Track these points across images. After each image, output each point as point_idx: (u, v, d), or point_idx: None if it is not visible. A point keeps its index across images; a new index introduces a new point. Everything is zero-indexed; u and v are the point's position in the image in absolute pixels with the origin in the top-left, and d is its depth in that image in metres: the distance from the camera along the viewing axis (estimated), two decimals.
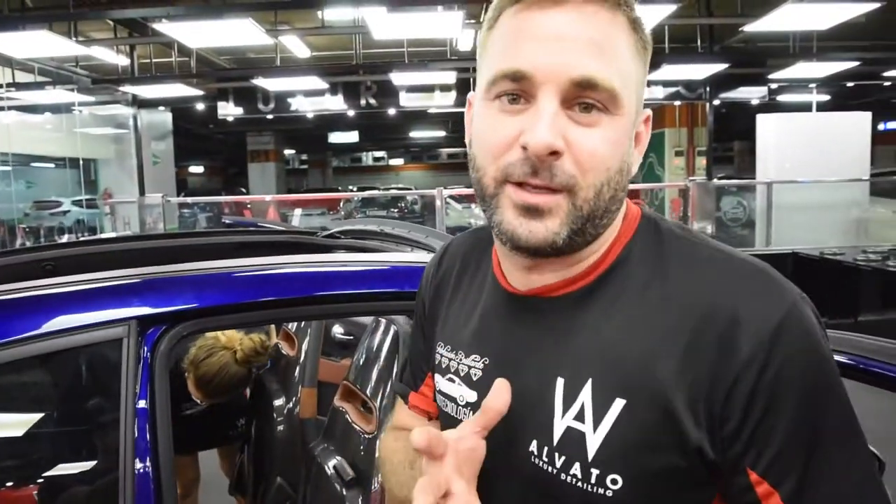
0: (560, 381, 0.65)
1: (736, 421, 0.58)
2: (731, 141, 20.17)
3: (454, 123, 21.17)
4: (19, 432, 1.25)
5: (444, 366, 0.78)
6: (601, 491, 0.62)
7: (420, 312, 0.89)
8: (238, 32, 5.22)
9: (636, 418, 0.61)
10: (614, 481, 0.61)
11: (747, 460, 0.59)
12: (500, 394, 0.63)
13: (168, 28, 5.29)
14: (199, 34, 5.45)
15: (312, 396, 2.39)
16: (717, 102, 11.05)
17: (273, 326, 2.87)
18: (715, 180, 9.52)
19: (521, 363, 0.69)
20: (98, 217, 13.02)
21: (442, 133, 23.23)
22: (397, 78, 9.10)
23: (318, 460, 1.81)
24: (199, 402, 2.35)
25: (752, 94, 11.34)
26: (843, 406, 0.61)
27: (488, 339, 0.73)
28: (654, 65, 8.79)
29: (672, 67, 8.71)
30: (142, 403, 1.17)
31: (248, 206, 12.34)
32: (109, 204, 11.65)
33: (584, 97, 0.60)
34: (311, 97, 10.17)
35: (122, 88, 9.47)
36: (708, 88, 10.19)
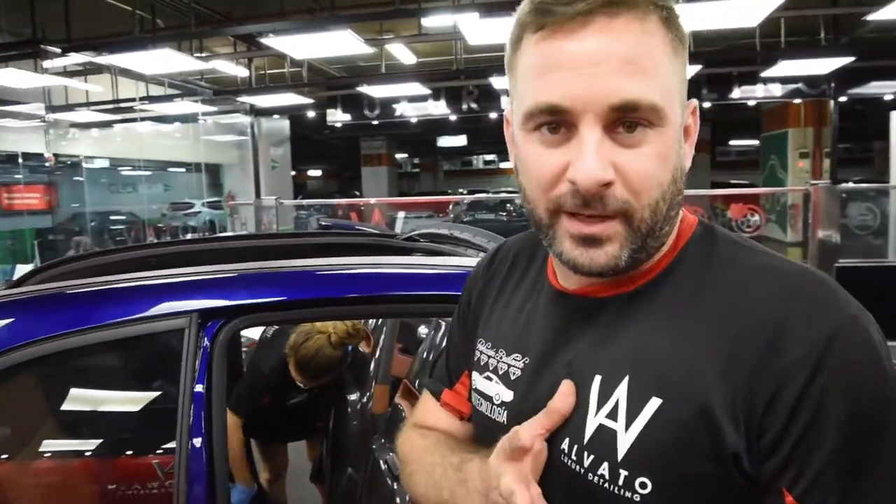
0: (597, 379, 0.63)
1: (775, 432, 0.54)
2: (869, 141, 18.50)
3: None
4: (95, 407, 1.41)
5: (482, 363, 0.77)
6: (628, 494, 0.59)
7: (464, 309, 0.88)
8: (339, 43, 5.48)
9: (671, 419, 0.58)
10: (643, 485, 0.58)
11: (784, 479, 0.55)
12: (566, 396, 0.63)
13: (275, 42, 5.65)
14: (303, 46, 5.77)
15: (385, 393, 2.48)
16: (846, 99, 10.25)
17: None
18: (847, 184, 8.78)
19: (560, 361, 0.68)
20: (224, 218, 13.95)
21: None
22: (497, 82, 9.15)
23: (375, 454, 1.89)
24: (301, 385, 2.52)
25: (886, 88, 10.41)
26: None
27: (532, 338, 0.72)
28: (770, 61, 8.39)
29: (790, 63, 8.15)
30: (199, 388, 1.28)
31: (362, 207, 12.79)
32: (231, 206, 12.47)
33: (626, 119, 0.58)
34: (414, 103, 10.45)
35: (239, 98, 10.15)
36: (832, 84, 9.46)
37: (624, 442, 0.60)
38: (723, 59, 9.60)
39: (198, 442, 1.25)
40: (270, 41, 5.62)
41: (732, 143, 22.51)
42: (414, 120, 11.93)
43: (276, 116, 13.83)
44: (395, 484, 1.70)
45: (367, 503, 1.92)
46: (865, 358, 0.55)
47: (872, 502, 0.54)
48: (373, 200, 12.01)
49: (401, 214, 10.35)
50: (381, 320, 2.64)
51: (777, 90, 10.03)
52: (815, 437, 0.54)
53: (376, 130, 19.66)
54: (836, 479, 0.53)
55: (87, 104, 10.00)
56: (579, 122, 0.59)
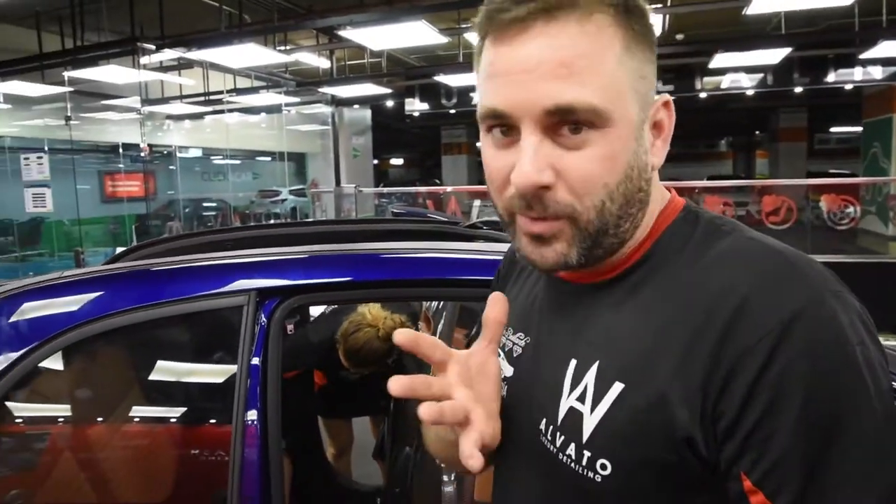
0: (573, 363, 0.65)
1: (731, 417, 0.54)
2: None
3: None
4: (163, 376, 1.54)
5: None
6: (591, 475, 0.61)
7: (493, 289, 0.90)
8: (414, 34, 5.57)
9: (630, 404, 0.59)
10: (603, 466, 0.60)
11: (742, 464, 0.54)
12: (494, 304, 0.66)
13: (353, 34, 5.79)
14: (380, 38, 5.89)
15: None
16: None
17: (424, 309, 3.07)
18: None
19: (549, 344, 0.70)
20: (307, 205, 14.38)
21: None
22: None
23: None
24: (348, 370, 2.64)
25: None
26: (870, 428, 0.53)
27: (532, 319, 0.75)
28: (870, 41, 7.85)
29: (891, 44, 7.61)
30: (255, 361, 1.37)
31: (441, 196, 12.89)
32: (313, 193, 12.85)
33: (565, 122, 0.58)
34: None
35: (321, 89, 10.43)
36: None
37: (588, 424, 0.61)
38: (816, 41, 9.06)
39: (252, 414, 1.33)
40: (348, 33, 5.76)
41: (833, 130, 21.24)
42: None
43: (357, 106, 14.11)
44: (442, 463, 1.74)
45: (416, 480, 1.98)
46: (829, 342, 0.53)
47: (835, 494, 0.52)
48: (449, 188, 12.07)
49: (476, 202, 10.37)
50: (441, 304, 2.70)
51: (877, 73, 9.39)
52: (773, 422, 0.52)
53: (456, 119, 19.73)
54: (796, 468, 0.52)
55: (180, 97, 10.54)
56: (520, 126, 0.59)
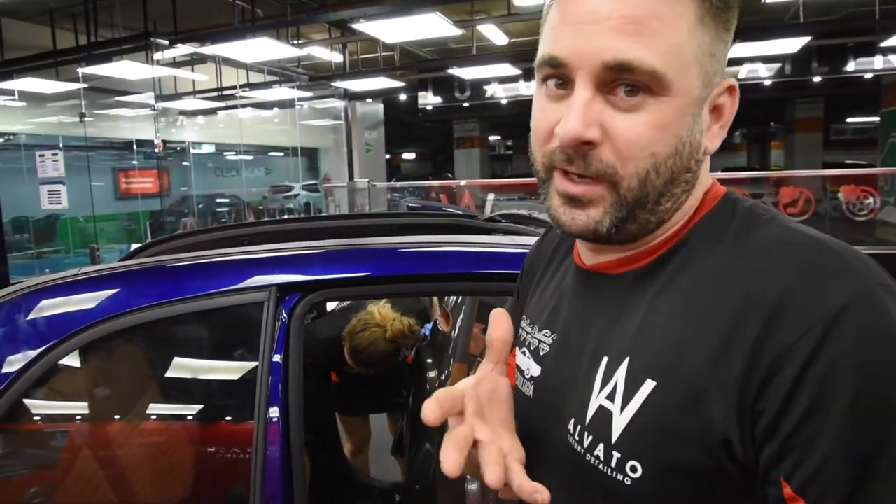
0: (605, 360, 0.62)
1: (771, 417, 0.50)
2: None
3: None
4: (182, 373, 1.51)
5: (521, 339, 0.78)
6: (620, 477, 0.57)
7: (518, 286, 0.89)
8: (428, 26, 5.52)
9: (662, 402, 0.56)
10: (633, 469, 0.57)
11: (782, 469, 0.50)
12: (498, 323, 0.62)
13: (366, 27, 5.76)
14: (393, 30, 5.86)
15: (463, 371, 2.50)
16: None
17: (436, 305, 3.05)
18: None
19: (578, 341, 0.67)
20: (320, 200, 14.41)
21: None
22: None
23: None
24: (352, 367, 2.62)
25: None
26: None
27: (560, 315, 0.72)
28: (890, 29, 7.68)
29: None
30: (276, 358, 1.35)
31: (454, 189, 12.88)
32: (326, 188, 12.87)
33: (622, 80, 0.56)
34: (505, 84, 10.37)
35: (334, 83, 10.42)
36: None
37: (618, 424, 0.58)
38: (836, 29, 8.91)
39: (274, 410, 1.31)
40: (362, 26, 5.73)
41: (849, 120, 20.98)
42: (504, 101, 11.85)
43: (369, 100, 14.09)
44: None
45: (440, 478, 1.95)
46: (879, 338, 0.49)
47: (884, 501, 0.48)
48: (462, 182, 12.06)
49: (490, 196, 10.34)
50: (460, 299, 2.67)
51: None
52: (817, 424, 0.49)
53: (468, 113, 19.67)
54: (842, 474, 0.48)
55: (194, 93, 10.57)
56: (575, 78, 0.58)
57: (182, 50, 7.88)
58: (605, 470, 0.59)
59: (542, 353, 0.72)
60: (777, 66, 9.84)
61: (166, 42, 6.82)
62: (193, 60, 9.46)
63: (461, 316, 2.61)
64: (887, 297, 0.51)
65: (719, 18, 0.59)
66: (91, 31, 7.23)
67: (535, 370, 0.73)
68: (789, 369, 0.50)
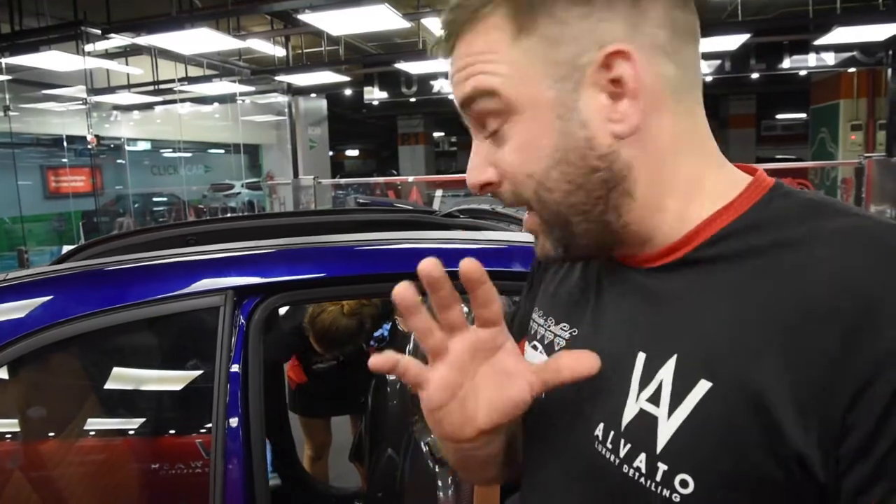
0: (641, 357, 0.55)
1: (863, 434, 0.43)
2: None
3: None
4: (128, 386, 1.39)
5: (532, 332, 0.72)
6: (666, 493, 0.50)
7: (531, 278, 0.82)
8: (375, 18, 5.40)
9: (721, 406, 0.49)
10: (684, 483, 0.49)
11: (876, 493, 0.43)
12: (585, 360, 0.56)
13: (311, 18, 5.60)
14: (340, 22, 5.71)
15: None
16: None
17: None
18: None
19: (605, 335, 0.60)
20: (263, 198, 14.11)
21: None
22: None
23: (414, 436, 1.84)
24: (323, 357, 2.59)
25: None
26: None
27: (582, 308, 0.65)
28: (824, 28, 8.03)
29: (845, 30, 7.77)
30: (235, 367, 1.24)
31: (399, 186, 12.77)
32: (270, 186, 12.59)
33: (480, 117, 0.59)
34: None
35: (277, 77, 10.17)
36: (890, 52, 9.00)
37: (665, 431, 0.51)
38: (772, 27, 9.22)
39: (234, 422, 1.21)
40: (307, 17, 5.57)
41: (779, 116, 21.82)
42: (451, 97, 11.73)
43: (313, 96, 13.85)
44: (436, 467, 1.65)
45: (408, 486, 1.87)
46: None
47: None
48: (410, 178, 11.97)
49: (438, 193, 10.30)
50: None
51: (830, 59, 9.59)
52: None
53: (413, 109, 19.61)
54: None
55: (128, 86, 10.14)
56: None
57: (115, 41, 7.51)
58: (647, 484, 0.52)
59: (556, 348, 0.66)
60: (717, 63, 10.11)
61: (98, 32, 6.48)
62: (127, 52, 9.06)
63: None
64: None
65: (541, 7, 0.54)
66: (16, 19, 6.82)
67: None
68: (886, 380, 0.43)
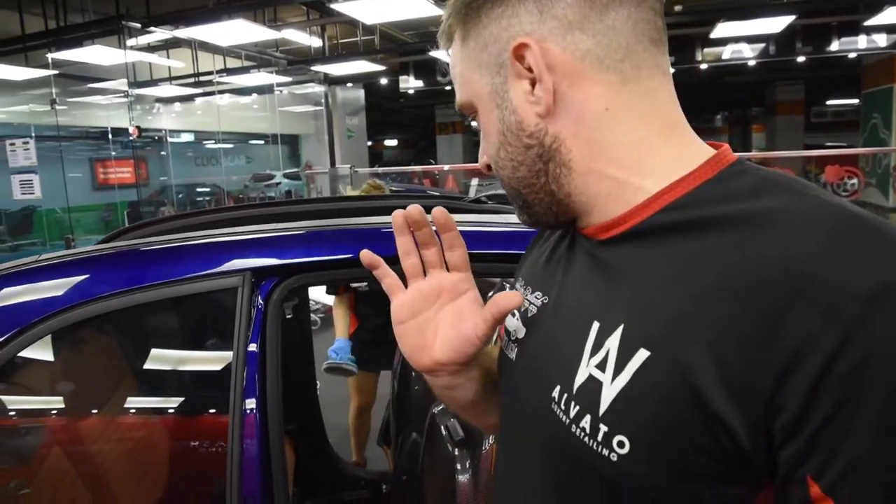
0: (595, 325, 0.58)
1: (793, 413, 0.46)
2: None
3: None
4: (150, 364, 1.42)
5: None
6: (606, 452, 0.54)
7: (529, 249, 0.88)
8: (409, 7, 5.40)
9: (655, 374, 0.52)
10: (621, 444, 0.53)
11: (810, 466, 0.46)
12: (512, 297, 0.66)
13: (345, 7, 5.62)
14: (374, 10, 5.73)
15: None
16: None
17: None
18: None
19: (571, 304, 0.64)
20: (301, 188, 14.28)
21: None
22: None
23: (435, 420, 1.84)
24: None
25: None
26: None
27: (555, 277, 0.69)
28: (874, 7, 7.69)
29: None
30: (252, 347, 1.26)
31: (436, 175, 12.78)
32: (308, 175, 12.75)
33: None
34: None
35: (313, 67, 10.25)
36: None
37: (607, 395, 0.55)
38: (819, 7, 8.89)
39: (251, 402, 1.22)
40: (341, 6, 5.59)
41: (829, 102, 21.10)
42: None
43: (349, 85, 13.93)
44: (455, 450, 1.65)
45: (428, 468, 1.88)
46: None
47: None
48: (446, 167, 11.97)
49: (474, 181, 10.27)
50: None
51: (882, 41, 9.23)
52: (847, 422, 0.44)
53: (450, 98, 19.48)
54: (875, 474, 0.44)
55: (169, 79, 10.35)
56: None
57: (156, 34, 7.67)
58: (590, 443, 0.55)
59: (529, 315, 0.70)
60: (761, 46, 9.81)
61: (138, 25, 6.62)
62: (168, 45, 9.24)
63: None
64: None
65: (473, 18, 0.64)
66: (60, 15, 7.01)
67: (520, 332, 0.71)
68: (812, 362, 0.45)
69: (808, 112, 19.72)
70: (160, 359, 1.42)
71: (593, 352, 0.57)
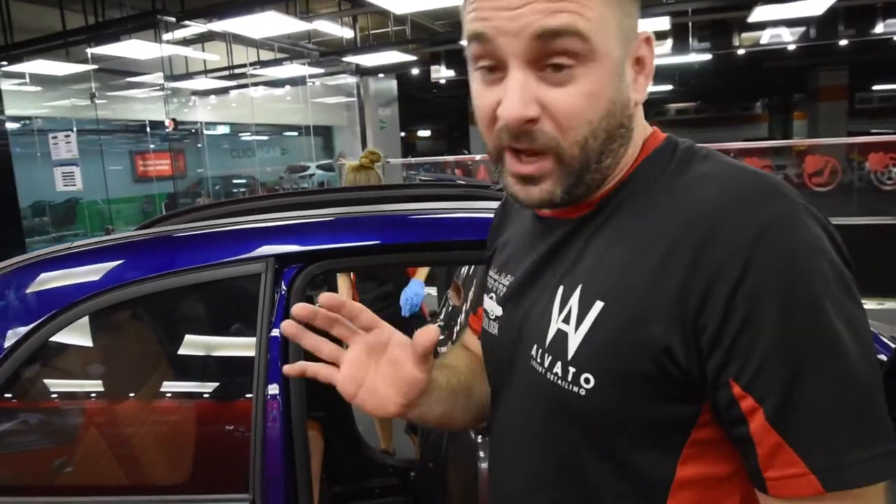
0: (560, 290, 0.69)
1: (713, 329, 0.57)
2: None
3: (680, 76, 19.67)
4: (176, 350, 1.45)
5: (489, 286, 0.86)
6: (575, 389, 0.64)
7: (489, 244, 0.94)
8: None
9: (609, 320, 0.62)
10: (587, 380, 0.63)
11: (730, 371, 0.57)
12: (426, 333, 0.71)
13: None
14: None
15: None
16: None
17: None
18: None
19: (536, 278, 0.74)
20: (335, 179, 14.39)
21: (668, 87, 21.63)
22: None
23: None
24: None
25: None
26: (830, 327, 0.55)
27: (519, 259, 0.79)
28: None
29: None
30: (275, 332, 1.27)
31: (469, 165, 12.75)
32: (340, 166, 12.83)
33: (551, 52, 0.60)
34: None
35: (345, 58, 10.29)
36: None
37: (573, 342, 0.65)
38: None
39: (274, 388, 1.24)
40: None
41: (875, 88, 20.43)
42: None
43: (381, 76, 13.95)
44: (478, 437, 1.66)
45: (452, 456, 1.89)
46: (801, 251, 0.56)
47: (813, 389, 0.55)
48: (477, 157, 11.93)
49: None
50: (472, 269, 2.58)
51: None
52: (752, 332, 0.55)
53: None
54: (779, 369, 0.55)
55: (205, 72, 10.50)
56: (507, 60, 0.62)
57: (191, 28, 7.79)
58: (562, 384, 0.66)
59: (501, 295, 0.80)
60: (801, 29, 9.51)
61: (173, 19, 6.73)
62: (203, 38, 9.37)
63: (473, 287, 2.53)
64: (806, 215, 0.58)
65: None
66: (99, 11, 7.16)
67: (497, 311, 0.80)
68: (724, 285, 0.56)
69: (852, 98, 19.10)
70: (186, 343, 1.45)
71: (560, 310, 0.68)
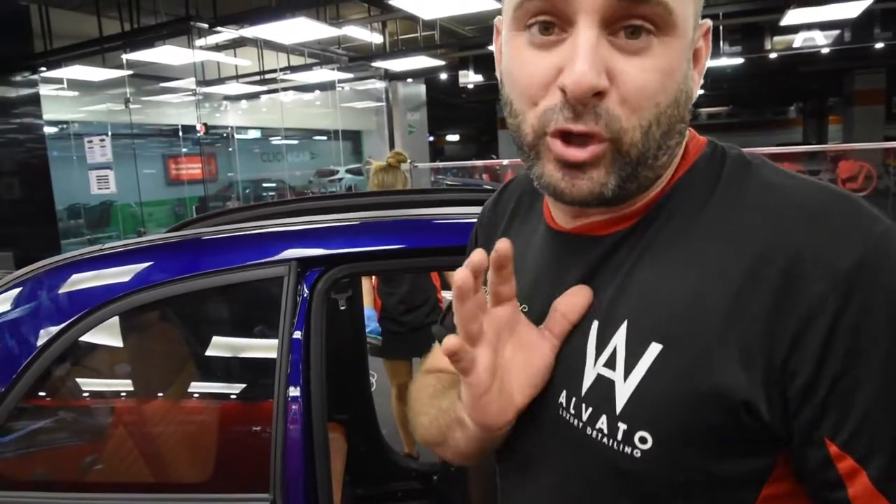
0: (595, 325, 0.57)
1: (806, 376, 0.47)
2: None
3: (713, 80, 19.40)
4: (200, 351, 1.47)
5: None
6: (628, 450, 0.53)
7: (470, 250, 0.80)
8: (467, 1, 5.38)
9: (671, 367, 0.51)
10: (643, 440, 0.52)
11: (825, 428, 0.48)
12: (579, 294, 0.59)
13: (404, 3, 5.68)
14: (432, 5, 5.76)
15: None
16: None
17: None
18: None
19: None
20: (363, 183, 14.50)
21: (700, 91, 21.14)
22: None
23: None
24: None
25: None
26: None
27: (530, 282, 0.66)
28: None
29: None
30: (297, 335, 1.29)
31: (497, 170, 12.75)
32: (368, 170, 12.92)
33: (631, 15, 0.50)
34: None
35: (374, 64, 10.37)
36: None
37: (622, 392, 0.54)
38: None
39: (295, 390, 1.25)
40: (400, 2, 5.64)
41: None
42: None
43: (410, 81, 14.02)
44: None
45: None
46: None
47: None
48: (505, 161, 11.94)
49: None
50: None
51: None
52: (855, 375, 0.46)
53: None
54: (886, 424, 0.47)
55: (236, 77, 10.65)
56: (576, 16, 0.50)
57: (223, 34, 7.92)
58: (609, 443, 0.54)
59: None
60: (835, 33, 9.32)
61: (206, 26, 6.85)
62: (234, 44, 9.53)
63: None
64: None
65: None
66: (134, 17, 7.32)
67: None
68: (820, 325, 0.47)
69: (889, 102, 18.66)
70: (210, 344, 1.48)
71: (598, 351, 0.56)
